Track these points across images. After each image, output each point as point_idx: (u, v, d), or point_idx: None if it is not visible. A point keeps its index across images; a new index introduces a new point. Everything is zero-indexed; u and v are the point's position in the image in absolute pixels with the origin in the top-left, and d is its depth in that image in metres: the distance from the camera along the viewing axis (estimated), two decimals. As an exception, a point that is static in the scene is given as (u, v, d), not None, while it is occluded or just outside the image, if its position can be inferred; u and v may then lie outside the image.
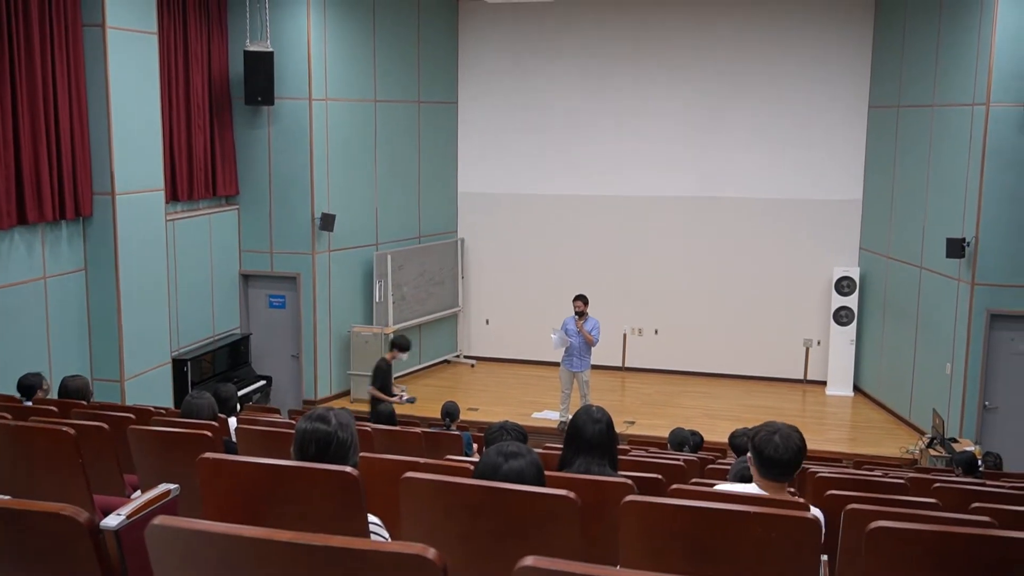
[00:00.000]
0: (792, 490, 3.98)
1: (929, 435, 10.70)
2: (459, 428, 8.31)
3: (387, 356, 10.55)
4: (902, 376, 12.36)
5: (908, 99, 12.24)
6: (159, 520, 1.49)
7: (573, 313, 11.48)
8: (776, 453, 3.57)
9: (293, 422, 6.89)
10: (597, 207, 14.45)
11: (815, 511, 3.76)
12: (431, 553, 1.42)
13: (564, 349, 11.52)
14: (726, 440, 8.04)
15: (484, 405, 12.41)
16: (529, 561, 1.44)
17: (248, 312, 13.19)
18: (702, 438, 8.96)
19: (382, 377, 10.38)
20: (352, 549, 1.44)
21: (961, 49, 10.96)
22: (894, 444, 11.34)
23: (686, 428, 9.09)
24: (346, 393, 13.21)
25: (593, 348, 11.64)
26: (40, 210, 8.94)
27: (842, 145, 13.63)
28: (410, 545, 1.43)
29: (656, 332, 14.48)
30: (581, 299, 11.46)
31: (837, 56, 13.49)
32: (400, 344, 10.40)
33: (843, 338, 13.52)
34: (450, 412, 8.47)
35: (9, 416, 4.66)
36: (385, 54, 13.50)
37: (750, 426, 7.17)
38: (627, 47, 14.13)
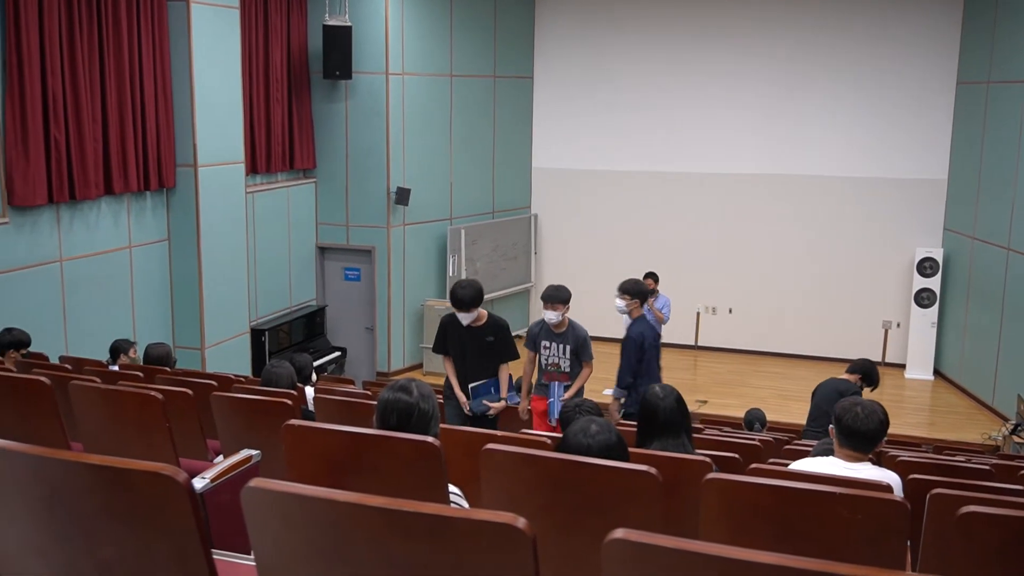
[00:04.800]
0: (872, 458, 3.93)
1: (1013, 421, 10.40)
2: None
3: None
4: (986, 360, 12.01)
5: (999, 75, 11.81)
6: (254, 483, 1.52)
7: None
8: (856, 423, 3.69)
9: (369, 393, 6.99)
10: (672, 184, 14.29)
11: (892, 475, 3.73)
12: (521, 523, 1.42)
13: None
14: (801, 421, 7.93)
15: (555, 381, 12.41)
16: (619, 534, 1.43)
17: (324, 284, 13.38)
18: (764, 416, 8.84)
19: None
20: (442, 516, 1.45)
21: (1058, 22, 10.53)
22: (975, 430, 11.04)
23: (756, 408, 8.98)
24: (419, 366, 13.33)
25: (663, 326, 11.54)
26: (126, 181, 9.17)
27: (927, 122, 13.23)
28: (500, 514, 1.43)
29: (730, 311, 14.30)
30: (652, 277, 11.36)
31: (924, 29, 13.08)
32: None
33: (924, 321, 13.19)
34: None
35: (98, 380, 4.80)
36: (462, 29, 13.49)
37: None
38: (704, 22, 13.89)
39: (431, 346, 7.20)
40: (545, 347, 6.95)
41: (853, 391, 6.97)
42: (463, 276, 13.46)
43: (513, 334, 6.94)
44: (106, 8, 8.76)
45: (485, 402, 6.66)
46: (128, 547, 1.63)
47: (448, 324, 6.76)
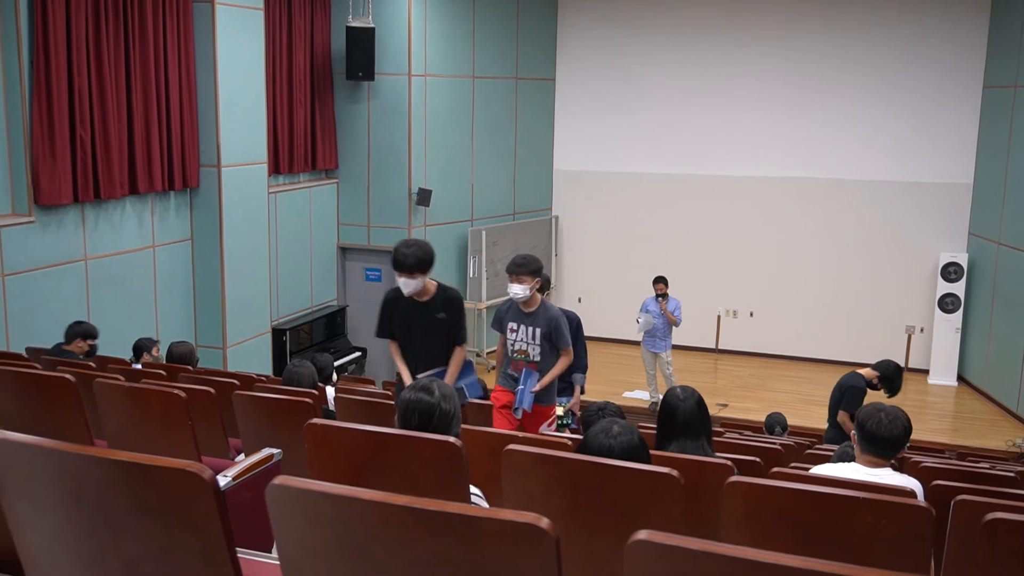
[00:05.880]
0: (893, 463, 3.90)
1: (1038, 428, 10.30)
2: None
3: None
4: (1011, 367, 11.90)
5: (1026, 78, 11.71)
6: (280, 480, 1.53)
7: (654, 295, 11.40)
8: (879, 429, 3.65)
9: (389, 393, 7.00)
10: (694, 186, 14.24)
11: (913, 481, 3.69)
12: (544, 523, 1.42)
13: (647, 329, 11.48)
14: (823, 426, 7.88)
15: (575, 383, 12.37)
16: (643, 535, 1.42)
17: (345, 284, 13.43)
18: (786, 421, 8.80)
19: None
20: (466, 515, 1.45)
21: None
22: (999, 437, 10.95)
23: (777, 412, 8.94)
24: (438, 367, 13.34)
25: (675, 329, 11.57)
26: (150, 181, 9.24)
27: (953, 126, 13.13)
28: (524, 514, 1.43)
29: (751, 314, 14.24)
30: (662, 281, 11.39)
31: (950, 33, 12.97)
32: None
33: (948, 326, 13.08)
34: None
35: (122, 378, 4.83)
36: (484, 30, 13.51)
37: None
38: (726, 25, 13.85)
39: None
40: (512, 330, 5.86)
41: (853, 384, 6.88)
42: (484, 277, 13.46)
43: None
44: (132, 9, 8.83)
45: None
46: (154, 543, 1.64)
47: (391, 300, 5.59)
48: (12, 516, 1.76)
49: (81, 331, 7.26)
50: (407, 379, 5.44)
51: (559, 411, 6.18)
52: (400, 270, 5.29)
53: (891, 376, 6.92)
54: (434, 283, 5.46)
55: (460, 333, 5.54)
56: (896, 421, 3.67)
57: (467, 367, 5.62)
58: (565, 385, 6.53)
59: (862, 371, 7.08)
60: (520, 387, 5.74)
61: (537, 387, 5.73)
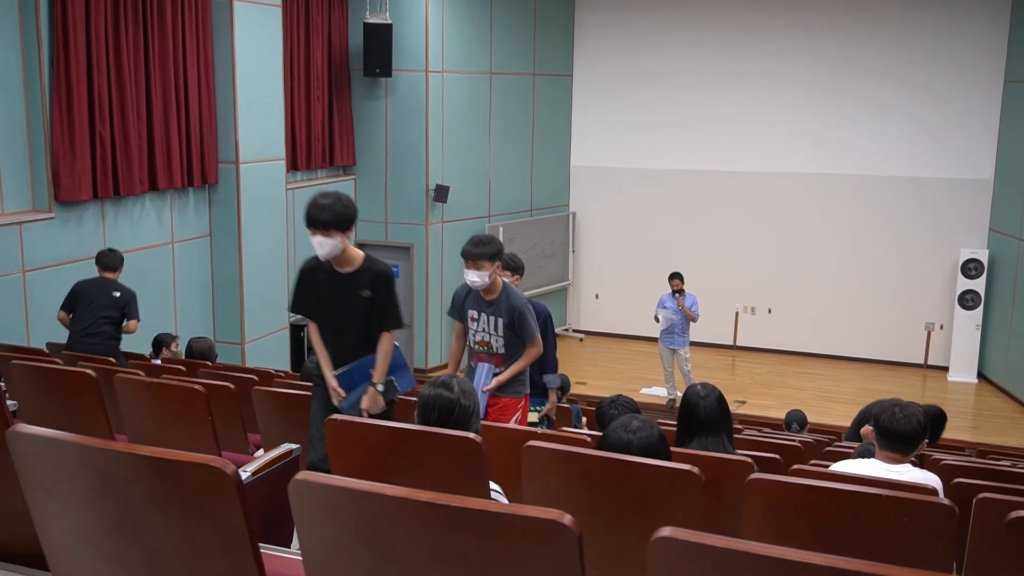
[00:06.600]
0: (914, 459, 3.88)
1: (1059, 426, 10.21)
2: (568, 401, 8.31)
3: None
4: (1031, 364, 11.81)
5: (1048, 73, 11.60)
6: (302, 476, 1.54)
7: (670, 291, 11.35)
8: (893, 424, 3.64)
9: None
10: (712, 182, 14.18)
11: (933, 477, 3.67)
12: (567, 519, 1.42)
13: (665, 327, 11.44)
14: (842, 423, 7.84)
15: (592, 379, 12.38)
16: (666, 532, 1.42)
17: (362, 281, 13.43)
18: (805, 417, 8.72)
19: None
20: (489, 512, 1.45)
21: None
22: (1020, 434, 10.86)
23: (796, 409, 8.88)
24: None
25: (693, 325, 11.53)
26: (170, 177, 9.28)
27: (973, 121, 13.01)
28: (546, 510, 1.42)
29: (769, 311, 14.18)
30: (678, 277, 11.33)
31: (970, 27, 12.86)
32: None
33: (968, 323, 12.98)
34: (561, 386, 8.45)
35: (142, 373, 4.86)
36: (501, 26, 13.50)
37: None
38: (746, 19, 13.77)
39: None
40: (472, 319, 5.25)
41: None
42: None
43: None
44: (151, 6, 8.87)
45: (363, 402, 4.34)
46: (176, 537, 1.65)
47: (308, 271, 4.52)
48: (36, 510, 1.77)
49: (113, 262, 7.29)
50: (328, 376, 4.43)
51: (532, 418, 5.64)
52: (314, 226, 4.22)
53: (935, 420, 6.61)
54: (361, 253, 4.46)
55: (390, 317, 4.44)
56: (911, 417, 3.65)
57: (396, 356, 4.56)
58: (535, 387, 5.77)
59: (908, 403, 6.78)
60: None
61: (493, 384, 5.16)
